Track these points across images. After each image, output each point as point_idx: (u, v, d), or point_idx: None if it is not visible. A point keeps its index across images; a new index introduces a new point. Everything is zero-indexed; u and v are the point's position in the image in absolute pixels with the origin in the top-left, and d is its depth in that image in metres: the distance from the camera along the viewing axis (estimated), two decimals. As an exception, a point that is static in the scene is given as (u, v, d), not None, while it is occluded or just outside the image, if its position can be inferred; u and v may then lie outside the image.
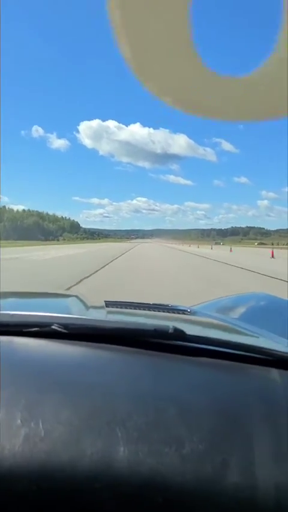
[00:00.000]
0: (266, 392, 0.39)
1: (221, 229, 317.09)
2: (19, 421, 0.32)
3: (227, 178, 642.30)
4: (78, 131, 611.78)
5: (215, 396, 0.38)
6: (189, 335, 0.46)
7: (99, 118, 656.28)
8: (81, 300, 0.81)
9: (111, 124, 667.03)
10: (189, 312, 0.75)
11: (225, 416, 0.35)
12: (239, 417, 0.35)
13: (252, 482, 0.29)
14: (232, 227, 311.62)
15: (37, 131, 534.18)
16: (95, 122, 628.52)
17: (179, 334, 0.45)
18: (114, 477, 0.29)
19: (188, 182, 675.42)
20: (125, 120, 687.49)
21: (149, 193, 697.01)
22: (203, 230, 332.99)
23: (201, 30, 0.25)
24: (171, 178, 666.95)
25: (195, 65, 0.22)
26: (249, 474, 0.30)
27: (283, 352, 0.46)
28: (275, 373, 0.43)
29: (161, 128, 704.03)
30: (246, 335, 0.61)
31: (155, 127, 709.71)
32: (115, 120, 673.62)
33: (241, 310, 1.03)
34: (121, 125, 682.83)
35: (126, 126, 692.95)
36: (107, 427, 0.32)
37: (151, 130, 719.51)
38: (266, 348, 0.46)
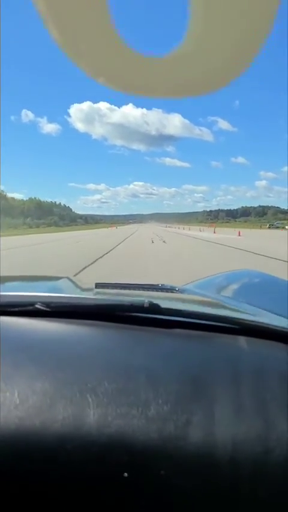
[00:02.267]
0: (232, 358, 0.42)
1: (229, 210, 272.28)
2: None
3: (225, 158, 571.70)
4: (69, 115, 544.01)
5: (183, 363, 0.40)
6: (163, 308, 0.48)
7: (89, 100, 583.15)
8: (72, 282, 0.84)
9: (103, 105, 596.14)
10: (177, 290, 0.76)
11: (191, 380, 0.37)
12: (204, 381, 0.37)
13: (212, 439, 0.32)
14: (242, 207, 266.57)
15: (27, 115, 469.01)
16: (86, 105, 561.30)
17: (153, 307, 0.48)
18: (83, 439, 0.31)
19: (185, 164, 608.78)
20: (117, 101, 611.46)
21: (145, 177, 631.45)
22: (210, 211, 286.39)
23: (122, 14, 0.23)
24: (168, 160, 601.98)
25: (119, 47, 0.23)
26: (209, 432, 0.32)
27: (249, 321, 0.49)
28: (242, 340, 0.45)
29: (154, 109, 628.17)
30: (224, 307, 0.62)
31: (148, 108, 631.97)
32: (106, 101, 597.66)
33: (233, 287, 1.01)
34: (113, 106, 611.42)
35: (119, 108, 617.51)
36: (79, 394, 0.34)
37: (144, 110, 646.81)
38: (233, 318, 0.50)
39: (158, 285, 0.76)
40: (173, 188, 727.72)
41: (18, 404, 0.33)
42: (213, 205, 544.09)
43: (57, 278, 0.96)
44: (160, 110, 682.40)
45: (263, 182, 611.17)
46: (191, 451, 0.31)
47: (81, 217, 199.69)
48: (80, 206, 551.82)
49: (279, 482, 0.31)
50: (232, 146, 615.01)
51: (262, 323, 0.49)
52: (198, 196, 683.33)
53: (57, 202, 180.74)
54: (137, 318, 0.49)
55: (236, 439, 0.32)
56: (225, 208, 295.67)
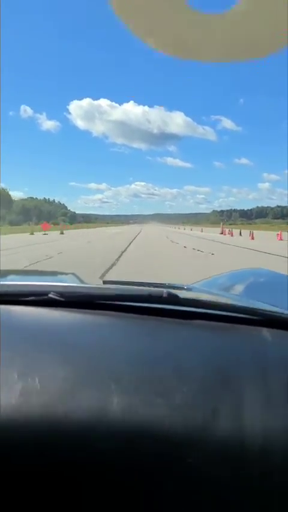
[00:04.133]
0: (256, 349, 0.41)
1: (243, 210, 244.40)
2: (16, 377, 0.34)
3: (228, 159, 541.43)
4: (68, 112, 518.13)
5: (206, 353, 0.40)
6: (182, 299, 0.47)
7: (89, 97, 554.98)
8: (78, 278, 0.85)
9: (103, 102, 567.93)
10: (185, 288, 0.74)
11: (217, 370, 0.37)
12: (229, 371, 0.37)
13: (239, 429, 0.31)
14: (258, 207, 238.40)
15: (26, 111, 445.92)
16: (86, 102, 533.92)
17: (172, 298, 0.47)
18: (107, 427, 0.31)
19: (187, 164, 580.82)
20: (118, 98, 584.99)
21: (147, 177, 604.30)
22: (222, 211, 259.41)
23: None
24: (170, 160, 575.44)
25: (177, 3, 0.21)
26: (237, 422, 0.32)
27: (272, 312, 0.48)
28: (265, 332, 0.44)
29: (155, 106, 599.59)
30: (239, 300, 0.61)
31: (150, 105, 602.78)
32: (107, 99, 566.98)
33: (240, 286, 0.98)
34: (114, 103, 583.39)
35: (119, 105, 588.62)
36: (102, 382, 0.34)
37: (146, 108, 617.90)
38: (255, 309, 0.48)
39: (165, 284, 0.73)
40: (175, 189, 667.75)
41: (39, 390, 0.33)
42: (216, 206, 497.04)
43: (63, 273, 0.95)
44: (162, 107, 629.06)
45: (266, 185, 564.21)
46: (218, 440, 0.31)
47: (64, 214, 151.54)
48: (81, 205, 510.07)
49: None
50: (235, 146, 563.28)
51: (284, 313, 0.47)
52: (200, 197, 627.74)
53: (51, 199, 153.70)
54: (154, 309, 0.48)
55: (264, 429, 0.31)
56: (239, 208, 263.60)
